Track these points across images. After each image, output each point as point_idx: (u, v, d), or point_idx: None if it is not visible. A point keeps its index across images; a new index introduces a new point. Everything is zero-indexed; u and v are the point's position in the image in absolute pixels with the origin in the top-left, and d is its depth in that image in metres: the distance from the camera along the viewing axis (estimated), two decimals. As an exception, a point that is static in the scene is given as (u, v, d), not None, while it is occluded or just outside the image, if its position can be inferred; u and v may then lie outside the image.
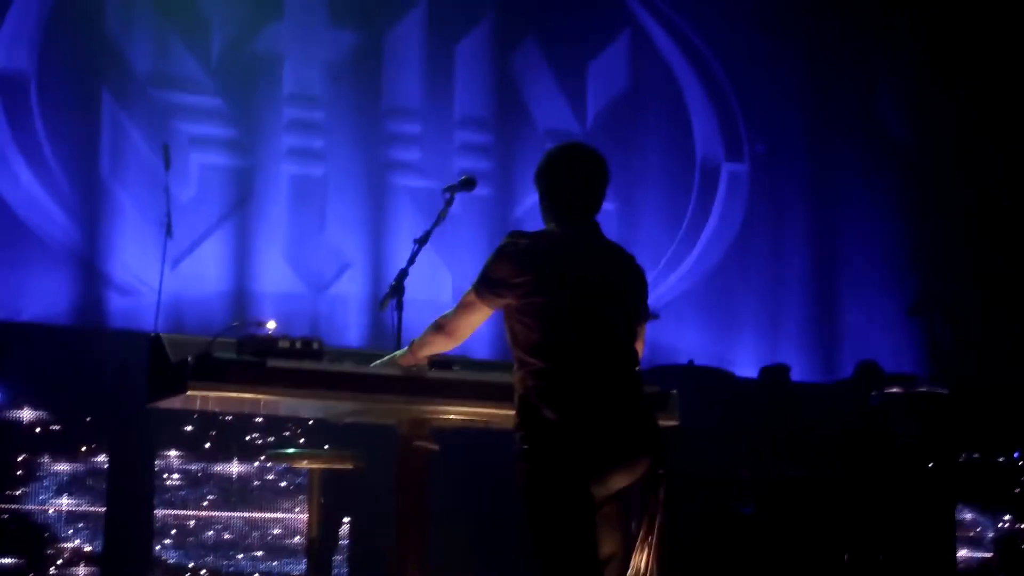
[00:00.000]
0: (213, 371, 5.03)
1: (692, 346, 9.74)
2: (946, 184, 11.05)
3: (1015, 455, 8.67)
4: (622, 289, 4.91)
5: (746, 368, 9.65)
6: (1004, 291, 10.73)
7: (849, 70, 11.12)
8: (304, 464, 6.41)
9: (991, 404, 9.43)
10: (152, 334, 5.38)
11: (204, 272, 9.02)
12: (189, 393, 5.08)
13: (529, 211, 8.79)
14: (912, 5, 11.25)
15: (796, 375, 9.15)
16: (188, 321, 8.56)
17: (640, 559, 4.80)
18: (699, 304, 10.26)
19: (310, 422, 8.16)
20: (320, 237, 9.37)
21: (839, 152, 10.97)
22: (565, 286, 4.74)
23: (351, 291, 9.30)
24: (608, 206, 9.72)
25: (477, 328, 5.11)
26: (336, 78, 9.55)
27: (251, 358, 5.11)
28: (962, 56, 11.10)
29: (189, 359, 5.04)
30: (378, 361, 5.35)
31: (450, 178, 5.93)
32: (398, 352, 5.31)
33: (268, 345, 5.17)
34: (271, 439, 8.20)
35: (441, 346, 5.15)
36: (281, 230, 9.28)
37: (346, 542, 8.31)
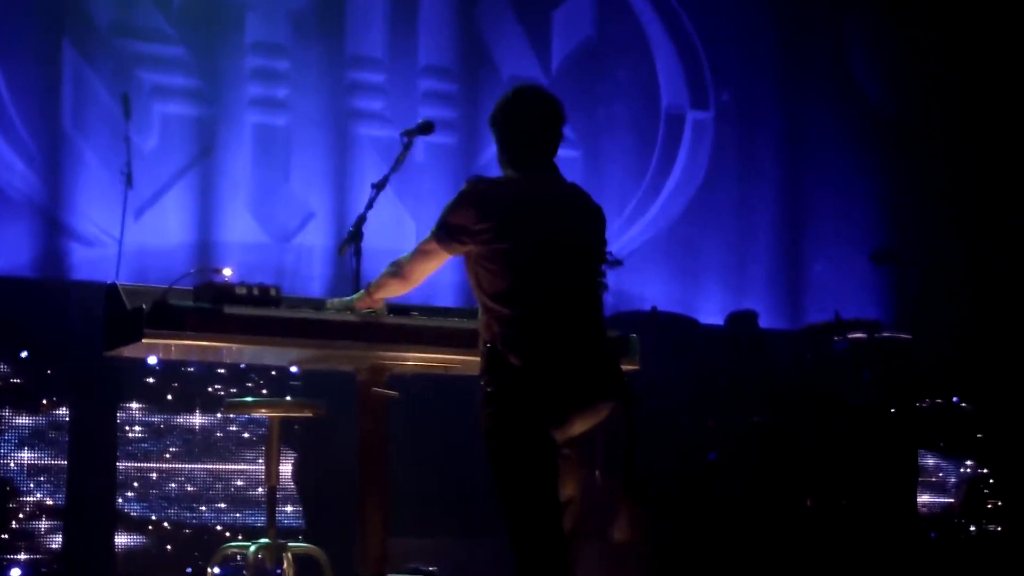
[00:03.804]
0: (169, 318, 5.01)
1: (657, 293, 9.72)
2: (914, 135, 11.03)
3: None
4: (584, 232, 4.94)
5: (710, 315, 9.65)
6: (970, 240, 10.75)
7: (819, 19, 11.08)
8: (263, 413, 6.39)
9: (954, 350, 9.47)
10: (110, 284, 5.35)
11: (168, 223, 8.97)
12: (145, 341, 5.06)
13: (493, 159, 8.66)
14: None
15: (761, 322, 9.15)
16: (152, 272, 8.48)
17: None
18: (664, 252, 10.23)
19: (272, 373, 8.14)
20: (284, 187, 9.32)
21: (807, 100, 10.94)
22: (528, 232, 4.76)
23: (315, 241, 9.26)
24: (573, 154, 9.82)
25: (435, 273, 5.12)
26: (299, 27, 9.48)
27: (208, 305, 5.09)
28: (933, 9, 11.07)
29: (144, 307, 5.01)
30: (333, 301, 5.34)
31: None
32: (355, 295, 5.31)
33: (225, 292, 5.15)
34: (234, 390, 8.17)
35: (396, 290, 5.17)
36: (245, 180, 9.23)
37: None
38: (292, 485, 8.24)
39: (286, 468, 8.19)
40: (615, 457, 4.81)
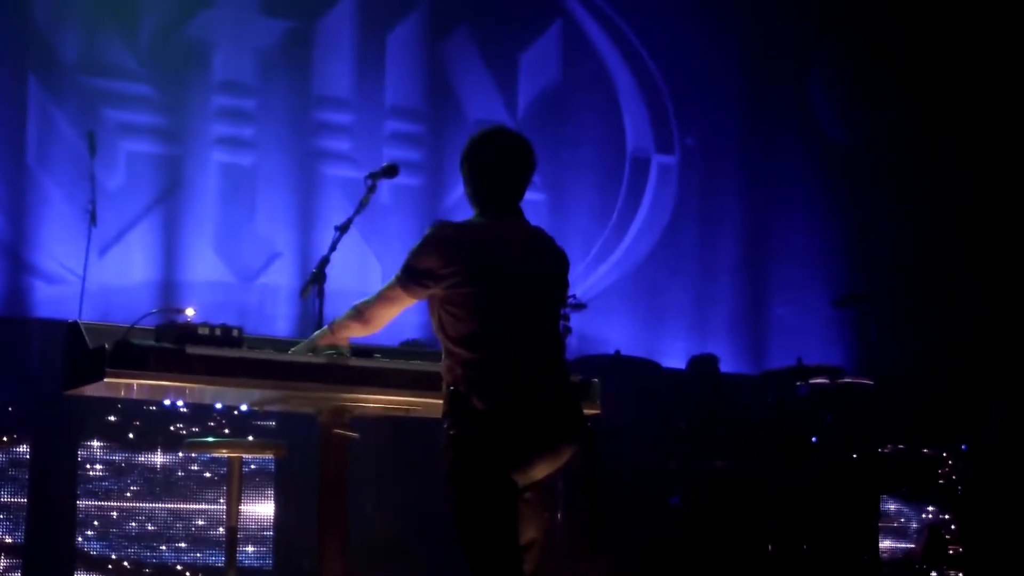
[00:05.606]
0: (131, 358, 4.99)
1: (620, 337, 9.73)
2: (878, 179, 11.10)
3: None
4: (548, 276, 4.96)
5: (674, 359, 9.67)
6: (933, 286, 10.80)
7: (783, 64, 11.15)
8: (223, 453, 6.37)
9: (916, 395, 9.50)
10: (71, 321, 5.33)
11: (132, 261, 8.95)
12: (107, 380, 5.04)
13: (459, 201, 8.71)
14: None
15: (724, 367, 9.18)
16: (115, 311, 8.46)
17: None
18: (628, 295, 10.26)
19: (235, 412, 8.11)
20: (249, 227, 9.31)
21: (771, 145, 11.01)
22: (493, 276, 4.77)
23: (280, 281, 9.25)
24: (538, 197, 9.84)
25: (402, 314, 5.12)
26: (267, 66, 9.49)
27: (170, 345, 5.08)
28: (897, 51, 11.15)
29: (106, 346, 5.00)
30: (299, 345, 5.33)
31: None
32: (317, 332, 5.30)
33: (187, 332, 5.14)
34: (195, 429, 8.14)
35: (357, 332, 5.18)
36: (210, 219, 9.21)
37: (271, 533, 8.31)
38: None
39: (255, 507, 8.20)
40: (576, 501, 4.82)
